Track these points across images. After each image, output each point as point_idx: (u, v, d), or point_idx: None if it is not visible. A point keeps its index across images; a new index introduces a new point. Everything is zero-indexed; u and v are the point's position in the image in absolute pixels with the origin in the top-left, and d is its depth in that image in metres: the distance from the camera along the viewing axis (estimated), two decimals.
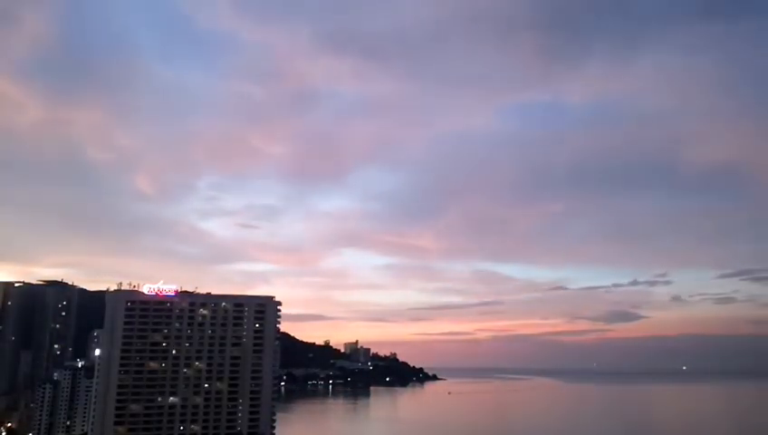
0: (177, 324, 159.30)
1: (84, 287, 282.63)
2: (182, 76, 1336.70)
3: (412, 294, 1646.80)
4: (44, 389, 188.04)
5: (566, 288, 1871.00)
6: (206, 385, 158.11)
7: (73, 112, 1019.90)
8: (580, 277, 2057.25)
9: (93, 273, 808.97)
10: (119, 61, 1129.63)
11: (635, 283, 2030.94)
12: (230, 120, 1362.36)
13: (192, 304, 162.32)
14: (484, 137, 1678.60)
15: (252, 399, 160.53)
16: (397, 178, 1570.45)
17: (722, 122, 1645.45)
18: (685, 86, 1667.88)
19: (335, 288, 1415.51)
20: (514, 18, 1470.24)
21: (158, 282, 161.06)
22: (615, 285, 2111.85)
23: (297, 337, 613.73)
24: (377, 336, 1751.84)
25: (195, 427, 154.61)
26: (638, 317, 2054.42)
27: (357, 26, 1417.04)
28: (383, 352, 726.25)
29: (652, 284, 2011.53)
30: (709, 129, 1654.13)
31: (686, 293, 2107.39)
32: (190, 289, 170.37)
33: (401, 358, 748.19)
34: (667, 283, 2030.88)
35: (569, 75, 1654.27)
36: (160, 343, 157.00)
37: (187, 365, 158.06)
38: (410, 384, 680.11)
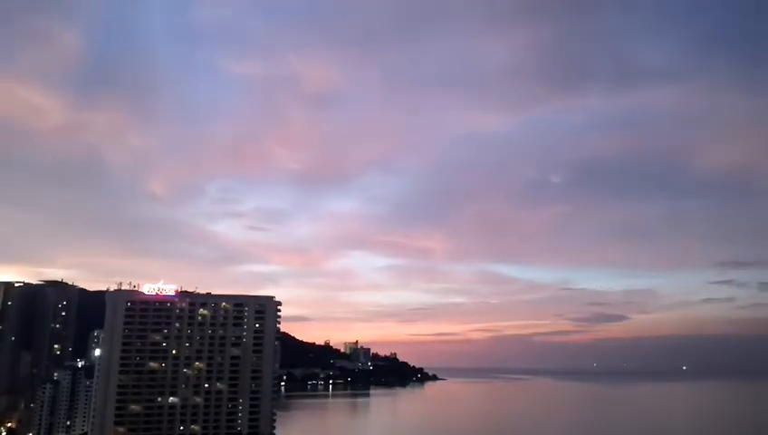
0: (177, 324, 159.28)
1: (84, 287, 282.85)
2: (196, 82, 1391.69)
3: (416, 295, 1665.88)
4: (44, 389, 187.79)
5: (568, 289, 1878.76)
6: (206, 385, 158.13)
7: (92, 117, 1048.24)
8: (582, 278, 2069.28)
9: (106, 273, 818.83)
10: (138, 68, 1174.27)
11: (636, 284, 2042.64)
12: (241, 124, 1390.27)
13: (192, 304, 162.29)
14: (489, 141, 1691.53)
15: (252, 399, 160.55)
16: (402, 182, 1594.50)
17: (722, 129, 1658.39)
18: (686, 97, 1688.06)
19: (341, 289, 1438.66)
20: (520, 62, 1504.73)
21: (159, 281, 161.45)
22: (616, 287, 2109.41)
23: (298, 337, 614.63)
24: (380, 337, 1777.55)
25: (195, 427, 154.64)
26: (639, 317, 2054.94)
27: (368, 40, 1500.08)
28: (384, 352, 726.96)
29: (653, 285, 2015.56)
30: (708, 136, 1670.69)
31: (688, 294, 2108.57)
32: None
33: (402, 358, 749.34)
34: (668, 284, 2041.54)
35: (572, 97, 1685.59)
36: (160, 343, 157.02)
37: (187, 365, 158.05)
38: (410, 384, 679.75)
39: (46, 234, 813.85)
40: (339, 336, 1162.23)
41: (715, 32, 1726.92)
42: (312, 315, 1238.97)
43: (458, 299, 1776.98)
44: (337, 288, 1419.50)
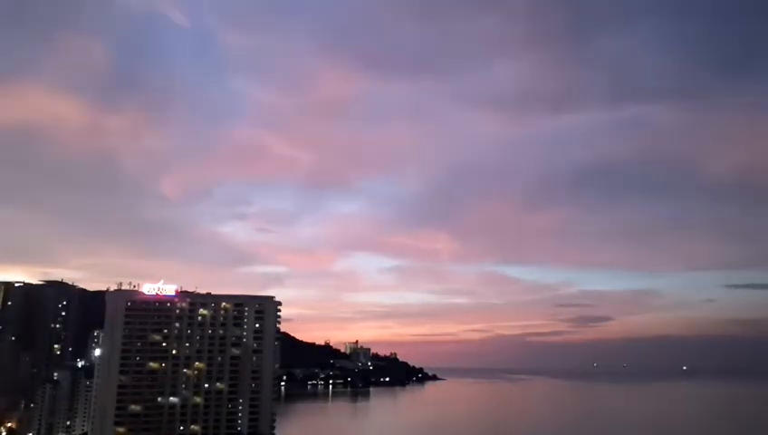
0: (177, 324, 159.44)
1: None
2: (209, 86, 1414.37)
3: (419, 296, 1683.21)
4: (44, 389, 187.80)
5: (570, 290, 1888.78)
6: (205, 385, 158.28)
7: (110, 122, 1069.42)
8: (585, 279, 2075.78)
9: (116, 275, 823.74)
10: (155, 76, 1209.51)
11: (638, 285, 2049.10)
12: (251, 129, 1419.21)
13: (192, 304, 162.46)
14: (494, 144, 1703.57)
15: (252, 399, 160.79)
16: (408, 184, 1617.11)
17: (725, 133, 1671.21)
18: (689, 107, 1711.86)
19: (345, 290, 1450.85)
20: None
21: (159, 281, 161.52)
22: (618, 287, 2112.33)
23: (302, 338, 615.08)
24: (381, 337, 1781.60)
25: (195, 427, 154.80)
26: (640, 318, 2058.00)
27: (380, 56, 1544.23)
28: (385, 352, 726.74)
29: (655, 286, 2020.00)
30: (711, 139, 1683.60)
31: (690, 295, 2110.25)
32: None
33: (403, 358, 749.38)
34: (670, 285, 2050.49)
35: (576, 110, 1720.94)
36: (160, 343, 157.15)
37: (187, 365, 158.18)
38: (410, 384, 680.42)
39: (60, 235, 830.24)
40: (342, 336, 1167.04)
41: (715, 48, 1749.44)
42: (316, 316, 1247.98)
43: (461, 300, 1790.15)
44: (341, 289, 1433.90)
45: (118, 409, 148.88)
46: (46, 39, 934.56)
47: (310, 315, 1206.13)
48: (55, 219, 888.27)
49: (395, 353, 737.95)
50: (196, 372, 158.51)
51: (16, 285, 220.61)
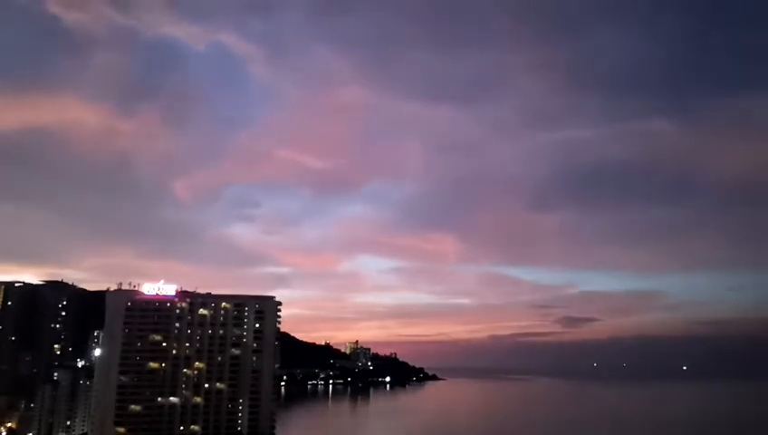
0: (177, 324, 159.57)
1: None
2: (219, 91, 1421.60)
3: (421, 297, 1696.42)
4: (44, 389, 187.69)
5: (572, 291, 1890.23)
6: (205, 385, 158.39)
7: (127, 127, 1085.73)
8: (586, 280, 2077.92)
9: (126, 275, 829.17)
10: (173, 81, 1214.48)
11: (639, 286, 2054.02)
12: (261, 133, 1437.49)
13: (192, 304, 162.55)
14: (499, 147, 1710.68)
15: (252, 399, 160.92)
16: (412, 188, 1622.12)
17: (729, 134, 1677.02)
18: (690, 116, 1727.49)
19: (349, 291, 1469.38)
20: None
21: (159, 281, 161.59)
22: (619, 288, 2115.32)
23: (304, 338, 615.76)
24: (382, 337, 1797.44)
25: (195, 427, 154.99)
26: (640, 319, 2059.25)
27: (386, 64, 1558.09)
28: (385, 352, 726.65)
29: (656, 286, 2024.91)
30: (714, 142, 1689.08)
31: (691, 296, 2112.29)
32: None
33: (403, 358, 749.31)
34: (671, 286, 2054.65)
35: (578, 123, 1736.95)
36: (160, 343, 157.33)
37: (187, 365, 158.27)
38: (410, 384, 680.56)
39: (73, 236, 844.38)
40: (344, 336, 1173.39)
41: (712, 58, 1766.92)
42: (320, 316, 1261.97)
43: (463, 301, 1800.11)
44: (345, 290, 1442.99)
45: (118, 409, 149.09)
46: (74, 52, 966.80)
47: (314, 316, 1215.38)
48: (69, 220, 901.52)
49: (395, 353, 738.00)
50: (196, 372, 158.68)
51: (16, 284, 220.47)
